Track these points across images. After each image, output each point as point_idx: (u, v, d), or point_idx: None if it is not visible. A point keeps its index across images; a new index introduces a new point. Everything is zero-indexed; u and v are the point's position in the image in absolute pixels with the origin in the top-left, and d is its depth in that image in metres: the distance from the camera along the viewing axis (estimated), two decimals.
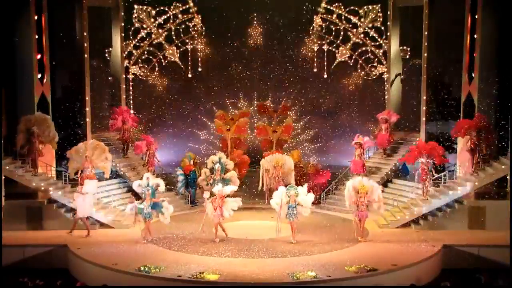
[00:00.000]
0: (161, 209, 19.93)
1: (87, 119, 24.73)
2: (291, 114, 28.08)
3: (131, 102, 27.31)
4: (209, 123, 28.36)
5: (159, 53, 27.61)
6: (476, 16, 22.44)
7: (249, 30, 28.16)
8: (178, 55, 27.75)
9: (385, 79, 27.03)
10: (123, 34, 26.74)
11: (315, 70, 27.85)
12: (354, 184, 20.12)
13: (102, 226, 21.45)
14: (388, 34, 26.71)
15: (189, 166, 25.14)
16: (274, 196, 20.03)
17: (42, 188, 21.57)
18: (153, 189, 20.00)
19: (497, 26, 22.35)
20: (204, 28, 27.65)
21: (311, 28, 27.54)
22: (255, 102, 28.76)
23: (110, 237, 20.15)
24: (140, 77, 27.56)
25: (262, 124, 27.32)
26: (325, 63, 27.71)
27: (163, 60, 27.70)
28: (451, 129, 22.98)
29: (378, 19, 26.84)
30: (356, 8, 27.07)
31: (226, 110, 28.39)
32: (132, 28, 27.07)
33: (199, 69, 28.02)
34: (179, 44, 27.70)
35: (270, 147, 26.92)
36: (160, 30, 27.43)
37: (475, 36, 22.54)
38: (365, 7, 26.97)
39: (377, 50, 27.05)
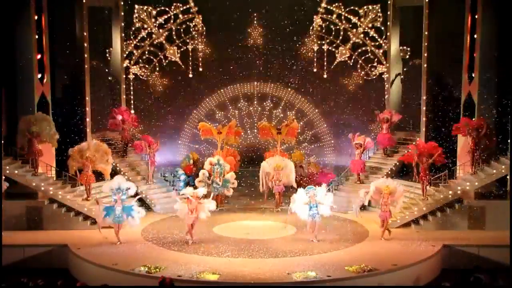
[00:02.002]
0: (131, 212, 19.63)
1: (87, 119, 24.74)
2: (294, 119, 27.59)
3: (132, 102, 27.30)
4: (209, 123, 28.32)
5: (160, 53, 27.63)
6: (476, 16, 22.45)
7: (249, 30, 28.14)
8: (179, 55, 27.77)
9: (385, 79, 27.03)
10: (123, 34, 26.72)
11: (314, 70, 27.87)
12: (378, 185, 20.23)
13: (102, 226, 21.40)
14: (388, 34, 26.69)
15: (189, 166, 25.12)
16: (294, 200, 19.99)
17: (42, 188, 21.57)
18: (125, 193, 19.77)
19: (497, 26, 22.36)
20: (204, 28, 27.66)
21: (311, 28, 27.55)
22: (255, 102, 28.73)
23: (110, 237, 20.13)
24: (141, 77, 27.56)
25: (265, 124, 26.65)
26: (325, 63, 27.76)
27: (163, 60, 27.71)
28: (451, 129, 22.97)
29: (378, 19, 26.85)
30: (356, 8, 27.08)
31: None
32: (133, 28, 27.07)
33: (200, 69, 28.03)
34: (180, 44, 27.72)
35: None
36: (160, 30, 27.43)
37: (475, 36, 22.55)
38: (365, 7, 26.98)
39: (377, 50, 27.05)
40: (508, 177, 21.80)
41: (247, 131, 28.34)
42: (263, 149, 27.66)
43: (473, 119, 22.41)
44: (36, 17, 22.64)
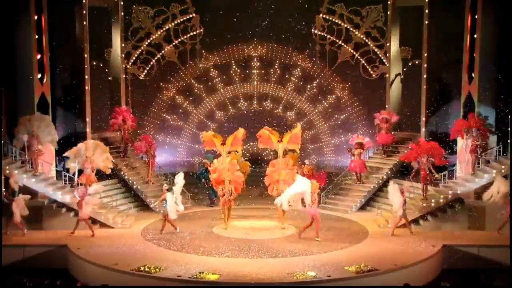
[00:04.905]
0: None
1: (87, 119, 24.73)
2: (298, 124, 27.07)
3: (130, 102, 27.28)
4: (209, 123, 28.36)
5: (157, 53, 27.61)
6: (476, 16, 22.47)
7: (249, 30, 28.13)
8: (176, 55, 27.76)
9: (386, 79, 27.00)
10: (123, 34, 26.72)
11: (316, 69, 27.86)
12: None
13: (102, 226, 21.42)
14: (388, 34, 26.66)
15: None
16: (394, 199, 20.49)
17: (42, 188, 21.54)
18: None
19: (497, 26, 22.37)
20: (202, 28, 27.66)
21: (313, 27, 27.55)
22: (255, 101, 28.69)
23: (110, 237, 20.14)
24: (139, 77, 27.55)
25: (266, 131, 23.48)
26: (327, 63, 27.76)
27: (161, 60, 27.71)
28: (451, 129, 23.00)
29: (380, 19, 26.81)
30: (358, 8, 27.07)
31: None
32: (131, 29, 27.05)
33: (199, 69, 28.01)
34: (178, 44, 27.72)
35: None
36: (158, 30, 27.40)
37: (475, 36, 22.56)
38: (367, 7, 26.97)
39: (379, 50, 27.02)
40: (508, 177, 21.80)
41: (247, 131, 28.26)
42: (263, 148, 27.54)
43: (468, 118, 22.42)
44: (36, 17, 22.61)
